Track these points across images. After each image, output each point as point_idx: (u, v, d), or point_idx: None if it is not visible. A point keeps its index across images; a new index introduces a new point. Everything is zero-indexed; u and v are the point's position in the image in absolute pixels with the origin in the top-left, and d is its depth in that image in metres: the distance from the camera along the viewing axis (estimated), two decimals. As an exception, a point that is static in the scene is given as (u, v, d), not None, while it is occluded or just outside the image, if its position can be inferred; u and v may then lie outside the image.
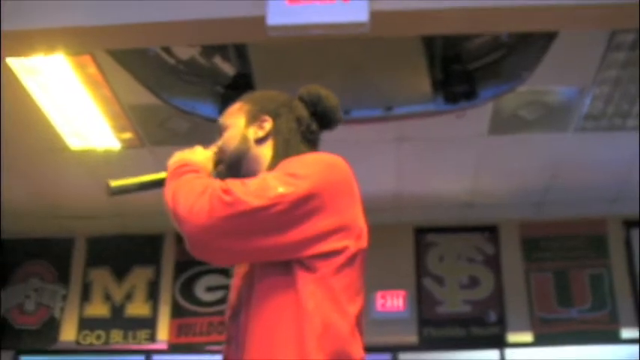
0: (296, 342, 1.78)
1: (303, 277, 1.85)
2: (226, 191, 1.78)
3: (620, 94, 5.45)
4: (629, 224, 7.19)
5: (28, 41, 4.04)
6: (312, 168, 1.88)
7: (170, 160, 2.05)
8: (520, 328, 6.99)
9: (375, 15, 3.64)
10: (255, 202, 1.76)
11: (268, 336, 1.80)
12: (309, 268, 1.85)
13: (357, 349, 1.83)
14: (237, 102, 2.18)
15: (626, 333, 6.90)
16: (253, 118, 2.09)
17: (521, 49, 4.67)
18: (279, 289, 1.85)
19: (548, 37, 4.54)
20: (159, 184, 2.05)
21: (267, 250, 1.83)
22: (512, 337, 7.00)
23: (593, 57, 5.02)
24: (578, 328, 6.92)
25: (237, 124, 2.11)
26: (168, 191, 1.91)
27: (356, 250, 1.89)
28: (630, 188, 6.72)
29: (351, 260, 1.87)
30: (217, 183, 1.84)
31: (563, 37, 4.58)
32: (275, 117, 2.08)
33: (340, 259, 1.85)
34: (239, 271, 2.00)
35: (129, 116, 5.63)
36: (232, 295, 2.00)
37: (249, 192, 1.77)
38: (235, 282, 2.01)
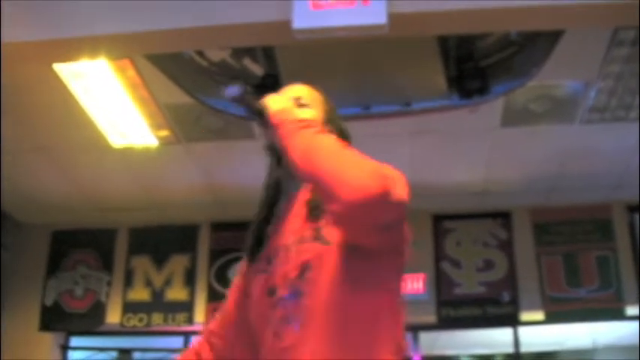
0: (392, 340, 1.77)
1: (391, 272, 1.84)
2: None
3: (622, 88, 5.41)
4: (633, 209, 7.14)
5: (73, 48, 4.06)
6: None
7: (272, 105, 1.87)
8: (532, 307, 6.96)
9: (393, 17, 3.62)
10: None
11: (366, 330, 1.75)
12: (397, 267, 1.85)
13: None
14: (314, 90, 2.05)
15: (631, 310, 6.88)
16: (326, 123, 1.96)
17: (530, 47, 4.63)
18: (368, 283, 1.79)
19: (555, 35, 4.51)
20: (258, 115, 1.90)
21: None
22: (525, 316, 6.98)
23: (597, 53, 4.99)
24: (586, 306, 6.88)
25: (318, 114, 1.97)
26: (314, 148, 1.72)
27: None
28: (633, 175, 6.67)
29: None
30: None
31: (569, 35, 4.55)
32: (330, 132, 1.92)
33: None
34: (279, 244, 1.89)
35: (165, 115, 5.65)
36: (277, 269, 1.86)
37: None
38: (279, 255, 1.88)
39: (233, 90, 1.85)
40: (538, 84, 5.18)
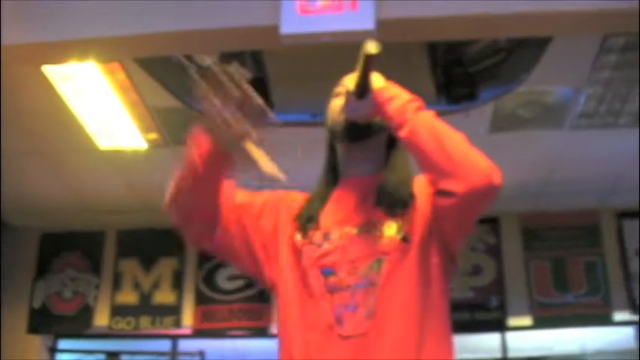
0: (451, 341, 1.89)
1: (448, 278, 1.94)
2: None
3: (612, 94, 5.42)
4: (621, 215, 7.15)
5: (63, 50, 4.06)
6: None
7: (388, 90, 1.88)
8: (520, 313, 6.97)
9: (381, 23, 3.63)
10: None
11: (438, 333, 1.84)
12: (452, 273, 1.96)
13: None
14: None
15: (619, 316, 6.89)
16: None
17: (518, 53, 4.65)
18: (438, 286, 1.88)
19: (544, 41, 4.52)
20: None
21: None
22: (513, 321, 6.99)
23: (587, 59, 5.00)
24: (574, 311, 6.90)
25: None
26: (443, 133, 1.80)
27: None
28: (622, 182, 6.70)
29: None
30: None
31: (558, 41, 4.56)
32: None
33: None
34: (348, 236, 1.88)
35: (154, 118, 5.64)
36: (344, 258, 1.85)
37: None
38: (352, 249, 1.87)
39: (374, 45, 1.81)
40: (527, 90, 5.19)
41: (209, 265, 7.33)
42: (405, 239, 1.85)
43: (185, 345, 7.24)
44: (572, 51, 4.84)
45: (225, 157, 1.81)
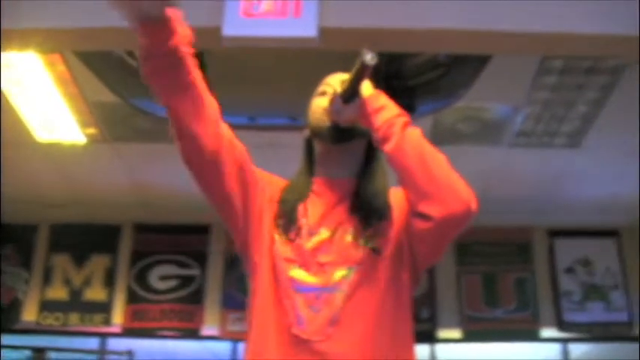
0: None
1: (412, 293, 1.93)
2: None
3: (549, 115, 5.53)
4: (553, 234, 7.29)
5: (3, 39, 3.99)
6: None
7: (378, 100, 1.86)
8: (450, 325, 7.05)
9: (324, 31, 3.66)
10: None
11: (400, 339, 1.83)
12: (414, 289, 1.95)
13: None
14: None
15: (546, 332, 7.03)
16: None
17: (457, 69, 4.70)
18: (405, 300, 1.88)
19: (483, 59, 4.59)
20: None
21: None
22: (443, 333, 7.05)
23: (526, 79, 5.10)
24: (502, 326, 7.01)
25: None
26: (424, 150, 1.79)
27: None
28: (555, 201, 6.84)
29: None
30: None
31: (498, 60, 4.63)
32: None
33: None
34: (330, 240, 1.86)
35: (93, 113, 5.58)
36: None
37: None
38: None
39: (372, 56, 1.78)
40: (466, 105, 5.27)
41: (142, 263, 7.27)
42: (377, 251, 1.84)
43: (114, 344, 7.13)
44: (511, 70, 4.94)
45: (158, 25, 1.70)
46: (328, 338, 1.73)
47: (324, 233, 1.86)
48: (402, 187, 1.84)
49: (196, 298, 7.08)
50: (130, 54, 4.68)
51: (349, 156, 1.99)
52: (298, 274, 1.81)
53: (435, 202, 1.72)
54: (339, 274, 1.80)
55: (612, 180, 6.46)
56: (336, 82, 1.99)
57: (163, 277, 7.19)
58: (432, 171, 1.75)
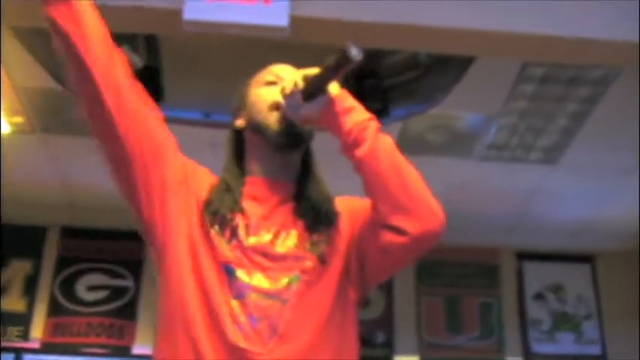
0: None
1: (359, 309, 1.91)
2: None
3: (525, 127, 5.56)
4: (522, 256, 7.37)
5: None
6: None
7: (347, 100, 1.81)
8: (407, 351, 7.05)
9: (295, 20, 3.62)
10: None
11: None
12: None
13: None
14: None
15: (509, 362, 7.08)
16: None
17: (437, 71, 4.71)
18: (351, 310, 1.86)
19: (465, 63, 4.60)
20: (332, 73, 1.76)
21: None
22: (399, 360, 7.07)
23: (504, 87, 5.11)
24: (464, 355, 7.05)
25: None
26: (396, 160, 1.77)
27: None
28: (526, 221, 6.89)
29: None
30: None
31: (478, 66, 4.64)
32: None
33: None
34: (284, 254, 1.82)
35: (22, 100, 5.45)
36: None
37: None
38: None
39: (358, 52, 1.69)
40: (439, 113, 5.25)
41: (68, 271, 7.14)
42: (323, 260, 1.82)
43: (31, 361, 7.01)
44: (490, 77, 4.94)
45: None
46: (268, 351, 1.69)
47: (265, 235, 1.82)
48: (370, 197, 1.80)
49: (128, 313, 6.96)
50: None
51: (294, 161, 1.96)
52: (238, 276, 1.76)
53: (412, 216, 1.72)
54: (284, 281, 1.77)
55: (590, 201, 6.53)
56: (287, 74, 1.93)
57: (92, 288, 7.07)
58: (408, 183, 1.75)
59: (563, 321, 7.17)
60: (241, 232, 1.81)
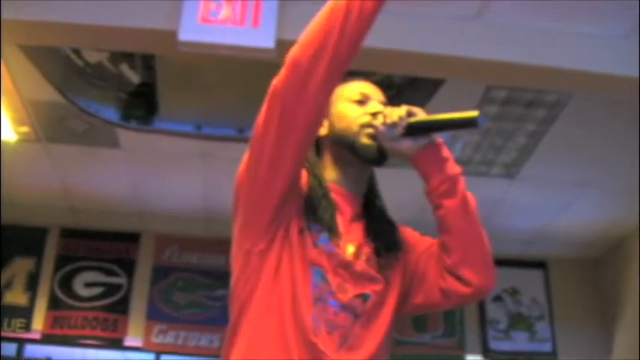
0: None
1: None
2: None
3: (487, 144, 5.59)
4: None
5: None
6: None
7: (445, 149, 1.80)
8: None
9: (281, 43, 3.62)
10: None
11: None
12: None
13: None
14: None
15: (471, 358, 7.11)
16: None
17: (410, 91, 4.73)
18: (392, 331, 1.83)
19: (435, 84, 4.62)
20: (454, 125, 1.77)
21: None
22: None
23: (469, 107, 5.10)
24: (429, 351, 7.05)
25: None
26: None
27: None
28: (487, 230, 6.86)
29: None
30: None
31: (446, 87, 4.67)
32: None
33: None
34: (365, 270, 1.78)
35: (28, 111, 5.41)
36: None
37: None
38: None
39: (484, 122, 1.73)
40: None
41: (66, 269, 7.09)
42: (389, 284, 1.80)
43: (32, 350, 6.95)
44: (457, 98, 4.96)
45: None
46: (338, 359, 1.66)
47: (349, 248, 1.77)
48: (445, 242, 1.78)
49: (121, 308, 6.92)
50: (77, 53, 4.56)
51: (365, 176, 1.90)
52: (323, 280, 1.71)
53: (481, 273, 1.76)
54: (358, 296, 1.74)
55: (544, 212, 6.57)
56: (375, 94, 1.91)
57: (88, 284, 7.02)
58: (484, 243, 1.78)
59: (519, 321, 7.21)
60: (330, 238, 1.74)
